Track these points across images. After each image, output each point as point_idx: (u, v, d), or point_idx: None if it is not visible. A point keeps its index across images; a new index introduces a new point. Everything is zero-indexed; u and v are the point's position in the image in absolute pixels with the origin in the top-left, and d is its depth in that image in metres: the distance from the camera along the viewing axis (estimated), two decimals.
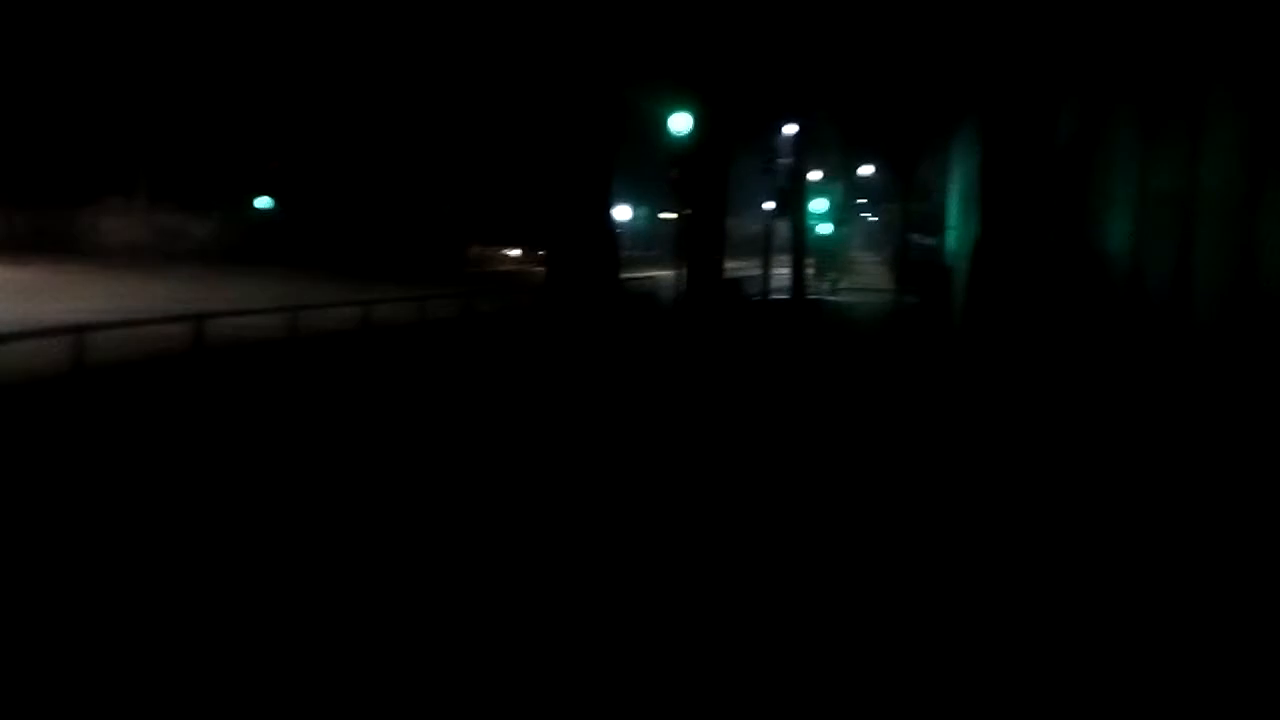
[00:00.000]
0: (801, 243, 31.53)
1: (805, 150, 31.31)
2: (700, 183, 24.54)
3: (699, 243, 25.79)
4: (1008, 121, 17.12)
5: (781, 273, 32.00)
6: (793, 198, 30.58)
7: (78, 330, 10.94)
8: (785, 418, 11.26)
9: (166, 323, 13.50)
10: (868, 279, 45.77)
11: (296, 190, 48.90)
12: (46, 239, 41.81)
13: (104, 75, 42.36)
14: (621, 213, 56.95)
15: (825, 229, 38.08)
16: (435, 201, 51.21)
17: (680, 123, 22.08)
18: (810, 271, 33.54)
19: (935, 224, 32.57)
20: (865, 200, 64.49)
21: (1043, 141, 16.30)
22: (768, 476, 8.37)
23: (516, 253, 53.56)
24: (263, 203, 49.29)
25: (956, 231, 24.60)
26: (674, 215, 30.23)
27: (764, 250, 30.29)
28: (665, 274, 29.35)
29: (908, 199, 36.19)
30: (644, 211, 71.46)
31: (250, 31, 42.35)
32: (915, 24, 24.33)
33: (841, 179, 43.37)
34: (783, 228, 33.68)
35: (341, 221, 47.68)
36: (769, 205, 31.20)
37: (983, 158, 17.73)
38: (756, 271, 30.80)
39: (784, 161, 30.22)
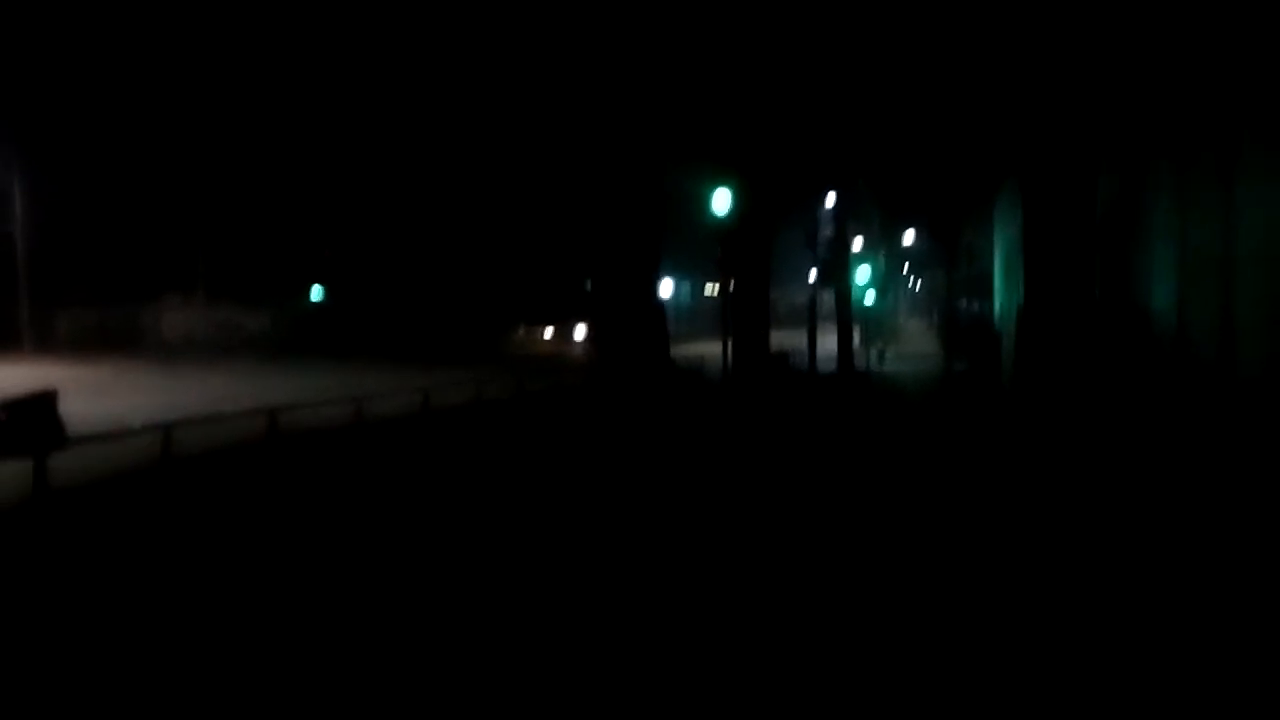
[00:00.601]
0: (847, 313, 31.50)
1: (847, 220, 31.51)
2: (743, 257, 24.84)
3: (744, 318, 25.95)
4: (1048, 185, 17.34)
5: (829, 341, 32.06)
6: (836, 268, 30.68)
7: (165, 428, 11.63)
8: (842, 491, 11.40)
9: (241, 418, 14.27)
10: (916, 345, 45.67)
11: (347, 278, 50.38)
12: (111, 336, 43.52)
13: (162, 179, 44.33)
14: (665, 288, 57.37)
15: (870, 298, 38.18)
16: (480, 284, 52.34)
17: (721, 201, 22.48)
18: (857, 340, 33.51)
19: (982, 288, 32.58)
20: (910, 267, 64.68)
21: (1084, 203, 16.50)
22: (827, 546, 8.52)
23: (550, 334, 54.10)
24: (316, 293, 50.74)
25: (1003, 295, 24.68)
26: (718, 290, 30.57)
27: (809, 322, 30.35)
28: (712, 349, 29.60)
29: (952, 264, 36.25)
30: (687, 287, 72.01)
31: (298, 124, 44.18)
32: (952, 92, 24.72)
33: (885, 247, 43.55)
34: (828, 297, 33.75)
35: (390, 308, 48.95)
36: (815, 275, 31.34)
37: (1025, 221, 17.91)
38: (803, 341, 30.85)
39: (826, 233, 30.43)
